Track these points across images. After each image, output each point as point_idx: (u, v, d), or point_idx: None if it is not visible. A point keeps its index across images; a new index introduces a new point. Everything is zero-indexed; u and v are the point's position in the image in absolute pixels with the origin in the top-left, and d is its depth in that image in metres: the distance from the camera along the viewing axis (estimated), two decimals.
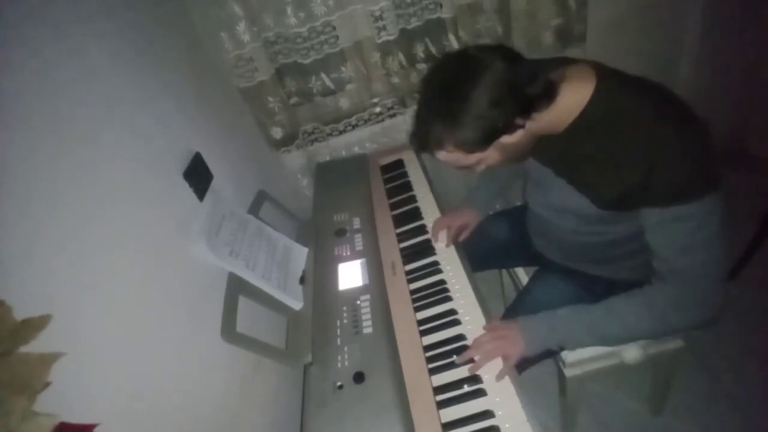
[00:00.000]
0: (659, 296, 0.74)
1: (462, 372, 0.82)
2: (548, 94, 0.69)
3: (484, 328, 0.87)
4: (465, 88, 0.66)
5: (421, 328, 0.91)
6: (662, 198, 0.67)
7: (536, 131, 0.73)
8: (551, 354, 0.97)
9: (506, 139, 0.70)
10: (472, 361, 0.82)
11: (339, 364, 0.82)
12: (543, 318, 0.84)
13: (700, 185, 0.65)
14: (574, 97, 0.71)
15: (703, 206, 0.65)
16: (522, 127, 0.70)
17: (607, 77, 0.71)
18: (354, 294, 0.95)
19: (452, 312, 0.92)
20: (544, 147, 0.79)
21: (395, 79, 1.39)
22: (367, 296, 0.94)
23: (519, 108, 0.67)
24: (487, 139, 0.69)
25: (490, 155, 0.74)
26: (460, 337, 0.87)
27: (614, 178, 0.71)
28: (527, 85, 0.67)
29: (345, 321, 0.90)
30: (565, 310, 0.82)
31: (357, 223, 1.14)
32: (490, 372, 0.80)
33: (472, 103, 0.66)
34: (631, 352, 0.96)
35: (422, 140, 0.74)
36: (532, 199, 0.97)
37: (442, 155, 0.75)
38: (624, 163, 0.69)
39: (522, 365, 0.88)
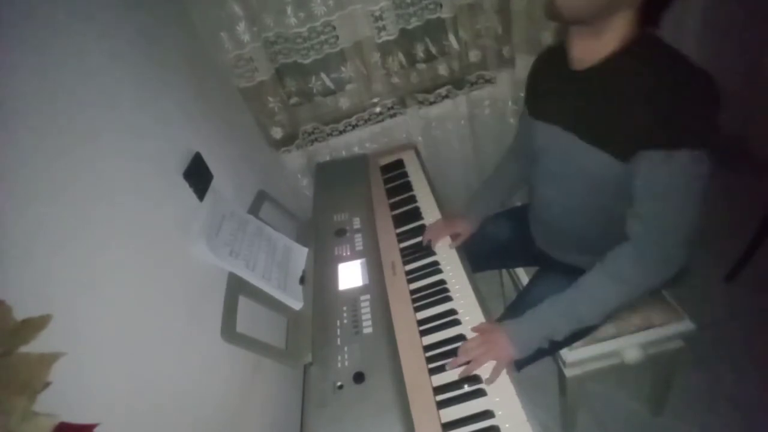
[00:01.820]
0: (619, 257, 0.78)
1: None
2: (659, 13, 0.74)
3: (473, 329, 0.88)
4: None
5: (421, 328, 0.91)
6: (666, 138, 0.69)
7: (613, 22, 0.73)
8: (548, 352, 0.97)
9: None
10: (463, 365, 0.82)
11: (339, 364, 0.82)
12: (528, 319, 0.85)
13: (701, 134, 0.68)
14: (624, 31, 0.74)
15: (695, 160, 0.68)
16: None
17: (653, 32, 0.75)
18: (354, 294, 0.95)
19: (452, 312, 0.92)
20: (559, 94, 0.83)
21: (395, 79, 1.39)
22: (367, 296, 0.94)
23: None
24: None
25: None
26: (460, 338, 0.87)
27: (626, 118, 0.73)
28: None
29: (345, 321, 0.90)
30: (543, 304, 0.84)
31: (357, 223, 1.14)
32: (488, 372, 0.80)
33: None
34: (631, 352, 0.96)
35: None
36: (538, 180, 0.97)
37: None
38: (640, 102, 0.70)
39: (520, 363, 0.88)
